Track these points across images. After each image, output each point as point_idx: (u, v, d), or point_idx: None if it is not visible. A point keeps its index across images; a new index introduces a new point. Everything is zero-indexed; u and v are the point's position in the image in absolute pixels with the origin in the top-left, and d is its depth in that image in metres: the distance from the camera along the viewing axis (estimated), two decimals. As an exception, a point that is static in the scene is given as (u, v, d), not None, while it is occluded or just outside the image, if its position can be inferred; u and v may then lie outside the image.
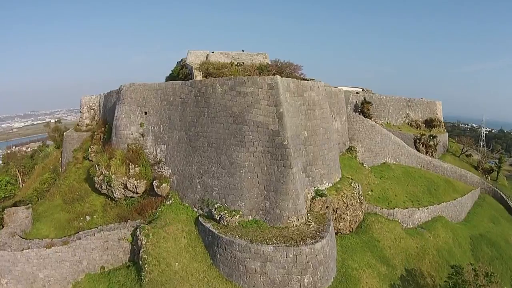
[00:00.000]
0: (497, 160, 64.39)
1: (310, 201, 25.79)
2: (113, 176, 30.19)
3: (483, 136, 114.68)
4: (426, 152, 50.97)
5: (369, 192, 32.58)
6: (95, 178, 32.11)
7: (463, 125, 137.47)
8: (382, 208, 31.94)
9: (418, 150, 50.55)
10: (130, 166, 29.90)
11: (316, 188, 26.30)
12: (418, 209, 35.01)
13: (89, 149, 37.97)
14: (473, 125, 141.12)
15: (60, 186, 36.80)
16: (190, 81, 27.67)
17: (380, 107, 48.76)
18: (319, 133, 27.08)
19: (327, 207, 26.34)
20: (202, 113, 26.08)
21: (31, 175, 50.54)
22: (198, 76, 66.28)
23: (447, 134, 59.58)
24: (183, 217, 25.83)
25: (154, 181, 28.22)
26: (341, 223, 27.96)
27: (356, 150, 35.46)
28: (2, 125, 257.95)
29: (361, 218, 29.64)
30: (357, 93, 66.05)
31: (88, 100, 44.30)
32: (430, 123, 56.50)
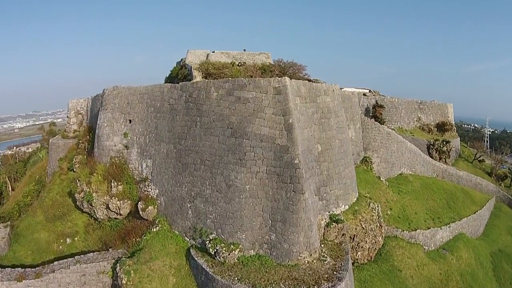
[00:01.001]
0: (510, 166, 58.94)
1: (324, 228, 20.55)
2: (94, 195, 25.04)
3: (487, 137, 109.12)
4: (440, 159, 45.83)
5: (388, 212, 27.30)
6: (76, 195, 27.03)
7: (465, 126, 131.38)
8: (403, 231, 26.72)
9: (432, 157, 45.40)
10: (113, 184, 24.67)
11: (331, 212, 21.03)
12: (440, 228, 29.85)
13: (74, 159, 32.80)
14: (475, 125, 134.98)
15: (43, 200, 31.67)
16: (181, 83, 22.35)
17: (392, 111, 43.35)
18: (335, 146, 21.77)
19: (343, 234, 21.13)
20: (193, 123, 20.79)
21: (19, 184, 45.48)
22: (197, 76, 60.70)
23: (459, 138, 54.24)
24: (171, 249, 20.57)
25: (139, 203, 22.96)
26: (359, 252, 22.76)
27: (371, 161, 30.13)
28: (4, 126, 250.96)
29: (381, 244, 24.43)
30: (364, 94, 60.45)
31: (75, 104, 39.02)
32: (442, 127, 51.13)
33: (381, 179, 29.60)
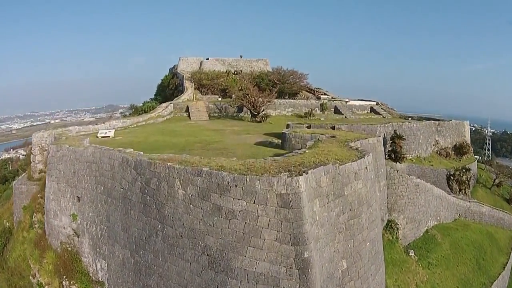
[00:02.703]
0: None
1: None
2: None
3: (488, 139, 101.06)
4: (460, 190, 38.10)
5: (423, 302, 19.67)
6: (30, 277, 19.58)
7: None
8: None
9: (451, 189, 37.65)
10: (64, 283, 16.90)
11: None
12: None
13: (34, 216, 24.86)
14: (475, 125, 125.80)
15: (7, 260, 23.89)
16: (134, 159, 13.96)
17: (410, 138, 35.04)
18: (365, 253, 13.72)
19: None
20: (153, 230, 12.71)
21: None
22: (189, 88, 51.33)
23: (476, 162, 46.22)
24: None
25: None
26: None
27: (397, 227, 22.16)
28: (2, 127, 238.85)
29: None
30: (371, 107, 52.05)
31: (40, 138, 30.53)
32: (460, 150, 42.97)
33: (410, 253, 21.75)
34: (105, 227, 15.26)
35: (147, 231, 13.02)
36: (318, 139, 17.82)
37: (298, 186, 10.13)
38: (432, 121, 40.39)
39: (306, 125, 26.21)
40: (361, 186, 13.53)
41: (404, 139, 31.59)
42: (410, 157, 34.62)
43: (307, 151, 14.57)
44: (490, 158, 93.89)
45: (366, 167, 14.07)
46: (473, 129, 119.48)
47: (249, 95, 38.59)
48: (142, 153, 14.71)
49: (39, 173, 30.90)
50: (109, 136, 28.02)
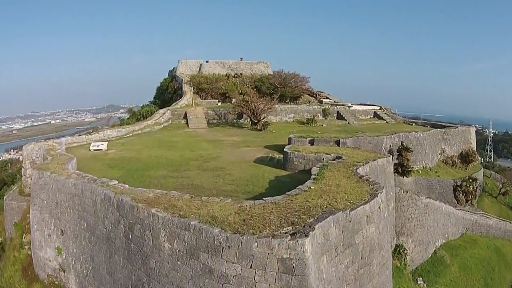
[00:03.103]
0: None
1: None
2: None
3: (490, 140, 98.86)
4: (466, 201, 36.53)
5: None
6: None
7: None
8: None
9: (458, 200, 36.08)
10: None
11: None
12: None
13: (23, 236, 23.31)
14: (476, 125, 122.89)
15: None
16: (117, 199, 12.19)
17: (417, 149, 33.23)
18: (376, 302, 12.12)
19: None
20: (140, 282, 11.06)
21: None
22: (188, 92, 49.30)
23: (482, 170, 44.45)
24: None
25: None
26: None
27: (405, 252, 20.53)
28: (2, 127, 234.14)
29: None
30: (374, 112, 50.07)
31: (30, 151, 28.81)
32: (466, 158, 41.19)
33: (418, 281, 20.13)
34: (90, 267, 13.63)
35: (132, 280, 11.37)
36: (324, 165, 16.07)
37: (303, 251, 8.40)
38: (438, 129, 38.50)
39: (309, 138, 24.38)
40: (373, 230, 11.80)
41: (411, 151, 29.79)
42: (416, 168, 32.87)
43: (312, 186, 12.82)
44: (492, 159, 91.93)
45: (379, 207, 12.32)
46: (475, 129, 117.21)
47: (249, 101, 36.69)
48: (127, 186, 13.01)
49: (29, 188, 29.38)
50: (101, 149, 26.31)
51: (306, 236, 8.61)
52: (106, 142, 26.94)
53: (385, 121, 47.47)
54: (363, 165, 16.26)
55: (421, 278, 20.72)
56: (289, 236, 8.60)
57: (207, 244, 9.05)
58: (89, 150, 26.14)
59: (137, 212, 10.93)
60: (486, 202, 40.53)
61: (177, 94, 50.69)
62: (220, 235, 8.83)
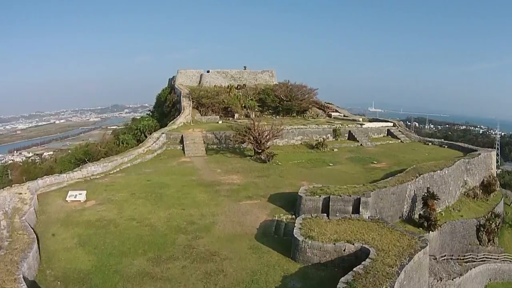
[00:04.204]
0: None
1: None
2: None
3: (498, 143, 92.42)
4: (488, 241, 31.72)
5: None
6: None
7: (472, 128, 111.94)
8: None
9: (480, 242, 31.31)
10: None
11: None
12: None
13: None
14: (482, 126, 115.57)
15: None
16: None
17: (441, 188, 28.00)
18: None
19: None
20: None
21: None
22: (186, 108, 42.94)
23: (502, 200, 39.21)
24: None
25: None
26: None
27: None
28: (6, 127, 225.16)
29: None
30: (388, 130, 44.43)
31: (2, 201, 23.93)
32: (487, 188, 35.95)
33: None
34: None
35: None
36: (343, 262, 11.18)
37: None
38: (462, 159, 32.97)
39: (324, 196, 19.28)
40: None
41: (438, 198, 24.58)
42: (439, 211, 27.70)
43: None
44: (499, 163, 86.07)
45: None
46: (481, 131, 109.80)
47: (253, 128, 31.33)
48: None
49: (6, 242, 24.93)
50: (79, 200, 21.57)
51: None
52: (85, 191, 22.08)
53: (399, 140, 42.02)
54: (399, 259, 12.24)
55: None
56: None
57: None
58: (66, 200, 21.42)
59: None
60: (507, 237, 35.53)
61: (176, 108, 45.40)
62: None
